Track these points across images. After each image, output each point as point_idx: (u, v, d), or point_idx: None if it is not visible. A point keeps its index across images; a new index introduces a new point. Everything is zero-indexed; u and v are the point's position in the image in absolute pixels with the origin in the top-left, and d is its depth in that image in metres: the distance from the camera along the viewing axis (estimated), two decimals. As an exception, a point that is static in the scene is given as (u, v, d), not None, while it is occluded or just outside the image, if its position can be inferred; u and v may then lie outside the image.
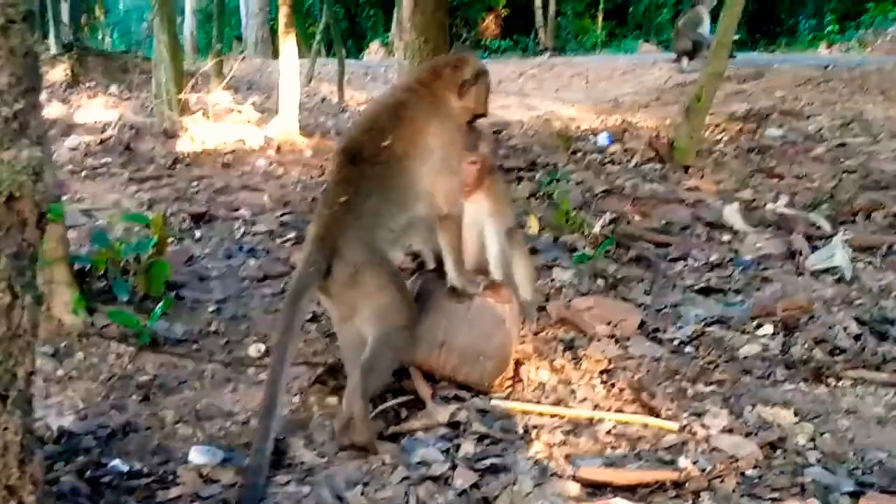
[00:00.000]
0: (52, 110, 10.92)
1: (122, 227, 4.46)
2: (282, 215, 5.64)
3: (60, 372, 3.31)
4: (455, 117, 3.23)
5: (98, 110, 11.05)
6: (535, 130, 9.65)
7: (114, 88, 13.48)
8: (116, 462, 2.75)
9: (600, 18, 21.40)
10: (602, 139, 8.37)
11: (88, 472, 2.69)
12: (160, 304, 3.65)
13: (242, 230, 5.26)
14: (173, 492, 2.62)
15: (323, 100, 12.78)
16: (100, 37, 24.29)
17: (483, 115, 3.38)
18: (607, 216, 5.14)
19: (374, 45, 20.99)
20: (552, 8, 20.71)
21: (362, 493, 2.66)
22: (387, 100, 3.34)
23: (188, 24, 24.88)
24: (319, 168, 7.15)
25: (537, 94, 13.48)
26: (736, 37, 17.05)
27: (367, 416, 2.92)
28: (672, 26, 15.19)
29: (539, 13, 20.76)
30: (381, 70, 15.89)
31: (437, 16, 6.97)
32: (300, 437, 2.98)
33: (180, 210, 5.55)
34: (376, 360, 2.98)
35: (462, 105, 3.25)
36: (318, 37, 15.08)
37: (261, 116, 9.22)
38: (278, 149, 7.81)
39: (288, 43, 8.17)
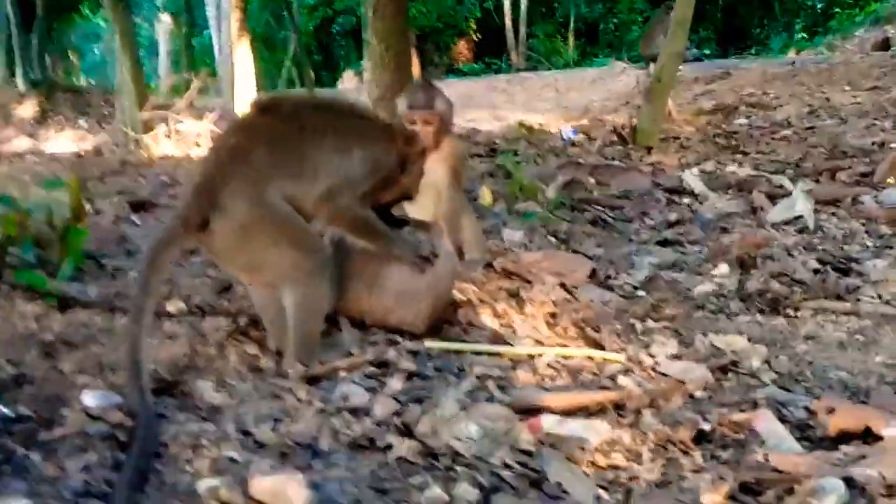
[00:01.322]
0: (21, 144, 10.78)
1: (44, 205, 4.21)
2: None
3: (-44, 334, 3.05)
4: (399, 172, 2.88)
5: (66, 142, 10.92)
6: (501, 133, 9.50)
7: (83, 122, 13.36)
8: (1, 408, 2.50)
9: (571, 38, 21.43)
10: (567, 132, 8.21)
11: (-31, 420, 2.43)
12: (70, 262, 3.41)
13: (182, 212, 5.02)
14: (58, 431, 2.36)
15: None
16: (74, 80, 24.32)
17: (409, 198, 3.08)
18: (561, 179, 4.93)
19: (348, 74, 20.99)
20: (523, 30, 20.81)
21: (272, 429, 2.42)
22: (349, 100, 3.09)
23: (163, 64, 25.04)
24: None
25: (508, 106, 13.40)
26: (707, 52, 17.07)
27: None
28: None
29: (510, 36, 20.83)
30: (353, 96, 15.85)
31: (397, 22, 6.92)
32: (210, 381, 2.72)
33: (120, 201, 5.30)
34: (303, 327, 2.73)
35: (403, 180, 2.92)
36: (287, 63, 15.04)
37: (222, 135, 9.03)
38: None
39: (241, 47, 8.04)
